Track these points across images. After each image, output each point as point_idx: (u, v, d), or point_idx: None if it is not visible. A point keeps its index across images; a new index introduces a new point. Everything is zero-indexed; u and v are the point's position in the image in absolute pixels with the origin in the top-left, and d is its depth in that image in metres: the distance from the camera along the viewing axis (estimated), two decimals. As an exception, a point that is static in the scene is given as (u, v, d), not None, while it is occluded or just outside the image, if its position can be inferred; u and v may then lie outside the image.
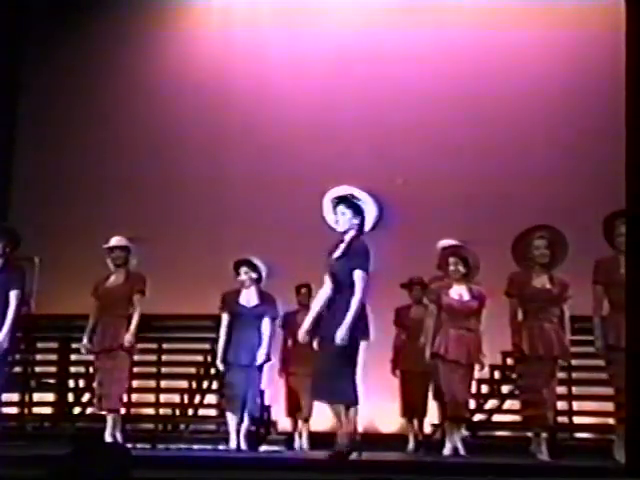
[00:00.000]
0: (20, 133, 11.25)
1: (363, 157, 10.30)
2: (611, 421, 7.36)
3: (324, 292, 6.45)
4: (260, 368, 7.84)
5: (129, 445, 7.41)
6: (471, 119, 10.23)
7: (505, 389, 9.23)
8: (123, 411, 8.13)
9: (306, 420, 8.93)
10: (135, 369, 8.61)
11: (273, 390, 9.23)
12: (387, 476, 5.18)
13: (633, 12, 5.37)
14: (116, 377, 7.76)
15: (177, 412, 9.83)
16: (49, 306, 10.25)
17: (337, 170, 10.29)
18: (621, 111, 5.29)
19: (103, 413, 7.90)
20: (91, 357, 8.21)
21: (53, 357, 10.37)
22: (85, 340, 7.89)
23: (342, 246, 6.43)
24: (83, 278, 8.67)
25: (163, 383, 9.92)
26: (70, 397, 10.05)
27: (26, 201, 10.77)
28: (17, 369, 9.98)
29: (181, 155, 10.75)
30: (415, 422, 8.77)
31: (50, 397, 10.18)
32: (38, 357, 10.48)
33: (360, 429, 9.83)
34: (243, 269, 7.87)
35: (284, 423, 9.27)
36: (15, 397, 9.72)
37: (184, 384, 9.87)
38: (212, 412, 9.08)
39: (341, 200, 6.55)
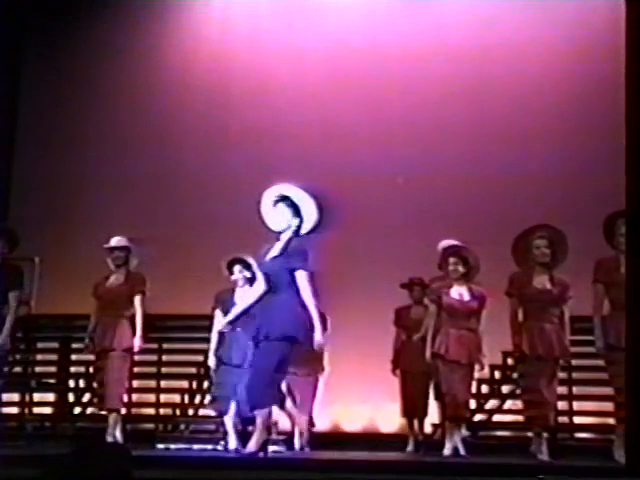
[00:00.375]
0: (20, 133, 11.25)
1: (363, 156, 10.29)
2: (611, 421, 7.37)
3: (256, 290, 6.39)
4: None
5: (129, 445, 7.40)
6: (471, 119, 10.23)
7: (505, 389, 9.23)
8: (123, 411, 8.12)
9: (306, 420, 8.91)
10: (135, 369, 8.61)
11: (273, 390, 9.23)
12: (387, 476, 5.19)
13: (633, 12, 5.37)
14: (116, 377, 7.76)
15: (177, 412, 9.84)
16: (49, 306, 10.25)
17: (337, 169, 10.33)
18: (621, 111, 5.29)
19: (103, 413, 7.90)
20: (91, 357, 8.22)
21: (53, 357, 10.38)
22: (86, 340, 7.91)
23: (279, 245, 6.32)
24: (83, 278, 8.68)
25: (163, 383, 9.92)
26: (70, 397, 10.05)
27: (26, 201, 10.76)
28: (17, 369, 9.99)
29: (182, 155, 10.74)
30: (415, 422, 8.77)
31: (50, 397, 10.19)
32: (38, 357, 10.49)
33: (360, 429, 10.00)
34: (237, 268, 7.85)
35: (284, 423, 9.26)
36: (15, 397, 9.73)
37: (184, 384, 9.87)
38: (212, 412, 9.06)
39: (281, 199, 6.44)
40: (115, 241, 7.93)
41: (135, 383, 9.29)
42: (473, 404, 8.46)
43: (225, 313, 7.71)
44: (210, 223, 10.40)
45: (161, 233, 10.12)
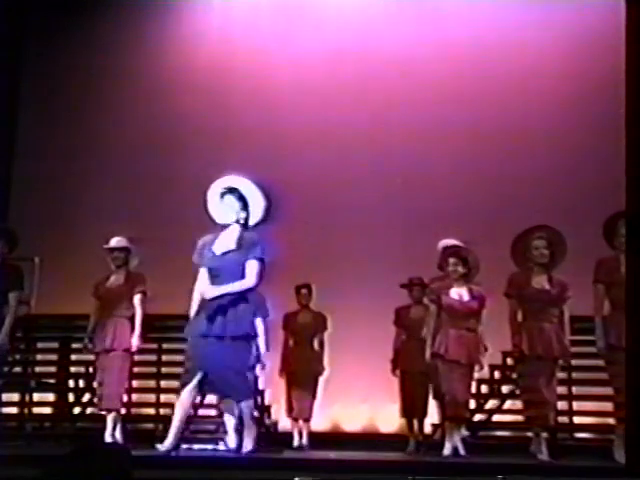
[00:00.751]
0: (20, 133, 11.25)
1: (363, 156, 10.30)
2: (611, 421, 7.37)
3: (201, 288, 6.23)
4: (253, 368, 7.78)
5: (129, 445, 7.40)
6: (471, 119, 10.23)
7: (505, 389, 9.23)
8: (123, 411, 8.13)
9: (306, 420, 8.93)
10: (135, 369, 8.61)
11: (273, 390, 9.24)
12: (387, 476, 5.19)
13: (633, 12, 5.37)
14: (117, 377, 7.76)
15: (177, 412, 9.82)
16: (49, 306, 10.25)
17: (337, 169, 10.33)
18: (621, 111, 5.30)
19: (103, 413, 7.90)
20: (91, 357, 8.22)
21: (53, 357, 10.37)
22: (86, 340, 7.91)
23: (232, 240, 6.21)
24: (83, 278, 8.69)
25: (163, 383, 9.91)
26: (70, 397, 10.04)
27: (26, 201, 10.76)
28: (17, 369, 9.99)
29: (182, 155, 10.74)
30: (415, 422, 8.77)
31: (50, 397, 10.18)
32: (38, 357, 10.48)
33: (360, 429, 10.01)
34: None
35: (284, 423, 9.27)
36: (15, 397, 9.72)
37: (184, 384, 9.86)
38: (212, 412, 9.06)
39: (230, 191, 6.35)
40: (115, 241, 7.93)
41: (135, 383, 9.29)
42: (473, 404, 8.46)
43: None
44: (210, 223, 10.38)
45: (161, 233, 10.12)
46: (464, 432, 7.70)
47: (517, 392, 8.04)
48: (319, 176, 10.35)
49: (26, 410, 9.88)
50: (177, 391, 6.39)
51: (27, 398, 9.93)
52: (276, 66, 10.75)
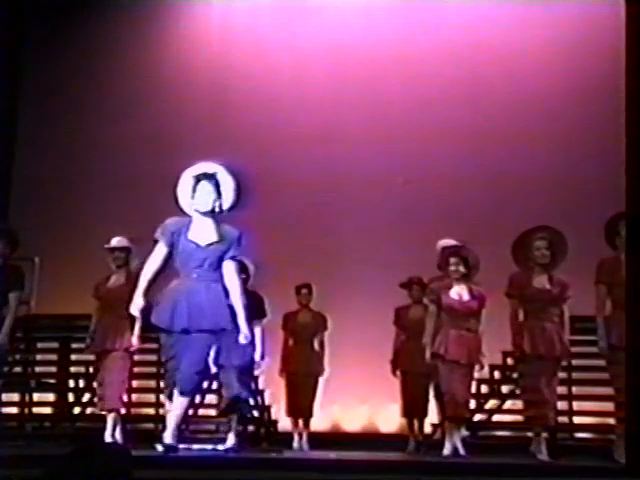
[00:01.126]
0: (20, 133, 11.25)
1: (363, 156, 10.30)
2: (611, 421, 7.37)
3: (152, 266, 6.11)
4: (251, 368, 7.78)
5: (129, 445, 7.41)
6: (471, 119, 10.23)
7: (505, 389, 9.23)
8: (123, 411, 8.12)
9: (306, 420, 8.93)
10: (135, 369, 8.60)
11: (273, 390, 9.24)
12: (387, 476, 5.19)
13: (633, 12, 5.38)
14: (117, 377, 7.76)
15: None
16: (49, 306, 10.25)
17: (337, 170, 10.33)
18: (621, 111, 5.30)
19: (103, 413, 7.90)
20: (91, 357, 8.22)
21: (53, 357, 10.37)
22: (87, 340, 7.91)
23: (211, 230, 6.07)
24: (83, 278, 8.69)
25: (163, 383, 9.91)
26: (70, 397, 10.04)
27: (26, 201, 10.76)
28: (17, 369, 9.99)
29: (182, 154, 10.73)
30: (415, 422, 8.77)
31: (50, 397, 10.18)
32: (38, 357, 10.48)
33: (360, 429, 10.01)
34: None
35: (284, 423, 9.27)
36: (15, 397, 9.71)
37: (184, 384, 9.85)
38: (212, 412, 9.06)
39: (206, 177, 6.19)
40: (116, 241, 7.93)
41: (135, 383, 9.29)
42: (473, 404, 8.46)
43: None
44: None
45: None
46: (464, 432, 7.70)
47: (517, 392, 8.04)
48: (319, 176, 10.35)
49: (26, 410, 9.88)
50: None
51: (27, 398, 9.93)
52: (276, 66, 10.75)
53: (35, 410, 9.96)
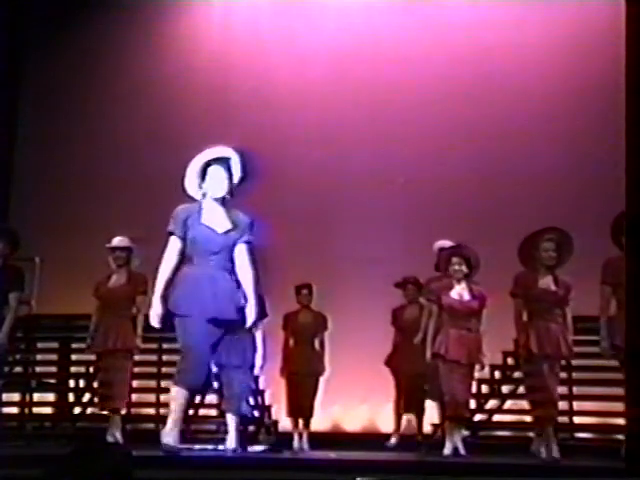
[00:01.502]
0: (20, 133, 11.25)
1: (363, 156, 10.30)
2: (611, 421, 7.37)
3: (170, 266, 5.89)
4: (252, 368, 7.77)
5: (129, 445, 7.40)
6: (471, 118, 10.22)
7: (505, 389, 9.23)
8: (123, 411, 8.13)
9: (307, 420, 8.92)
10: (135, 369, 8.61)
11: (273, 390, 9.24)
12: (387, 476, 5.18)
13: (633, 12, 5.37)
14: (119, 377, 7.78)
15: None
16: (49, 306, 10.25)
17: (337, 170, 10.33)
18: (621, 111, 5.29)
19: (105, 413, 7.90)
20: (91, 357, 8.22)
21: (53, 357, 10.38)
22: (88, 340, 7.91)
23: (223, 217, 5.93)
24: (84, 278, 8.69)
25: (163, 383, 9.89)
26: (70, 397, 10.05)
27: (26, 201, 10.76)
28: (17, 369, 9.99)
29: (182, 154, 10.69)
30: (413, 421, 8.81)
31: (50, 397, 10.18)
32: (38, 357, 10.49)
33: (360, 429, 10.00)
34: None
35: (284, 423, 9.26)
36: (15, 397, 9.72)
37: (184, 384, 9.85)
38: (212, 412, 9.06)
39: (219, 162, 6.05)
40: (117, 241, 7.93)
41: (135, 383, 9.28)
42: (473, 404, 8.46)
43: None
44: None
45: (162, 233, 10.09)
46: (464, 432, 7.70)
47: (520, 392, 8.04)
48: (319, 176, 10.34)
49: (26, 410, 9.89)
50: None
51: (27, 398, 9.94)
52: (276, 65, 10.75)
53: (35, 410, 9.97)
